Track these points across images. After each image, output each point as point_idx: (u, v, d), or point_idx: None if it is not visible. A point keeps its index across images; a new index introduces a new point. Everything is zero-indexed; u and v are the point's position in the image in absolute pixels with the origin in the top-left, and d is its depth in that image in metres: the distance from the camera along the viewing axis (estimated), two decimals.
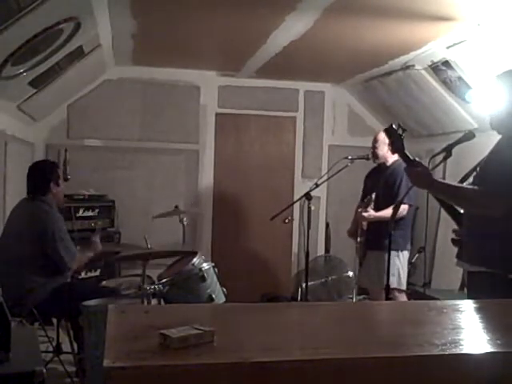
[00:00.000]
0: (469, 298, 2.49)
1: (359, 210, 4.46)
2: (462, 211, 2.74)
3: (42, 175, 3.83)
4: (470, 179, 2.73)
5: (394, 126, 2.75)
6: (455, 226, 2.87)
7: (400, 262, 4.38)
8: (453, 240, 2.86)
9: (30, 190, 3.84)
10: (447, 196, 2.67)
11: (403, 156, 2.70)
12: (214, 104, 6.25)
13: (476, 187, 2.54)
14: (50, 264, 3.67)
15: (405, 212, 4.19)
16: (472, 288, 2.61)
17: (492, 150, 2.64)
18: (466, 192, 2.57)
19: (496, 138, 2.69)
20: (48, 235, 3.64)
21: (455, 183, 2.72)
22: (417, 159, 2.68)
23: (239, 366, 1.28)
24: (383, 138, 4.51)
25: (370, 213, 4.36)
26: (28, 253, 3.62)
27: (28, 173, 3.86)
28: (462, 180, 2.76)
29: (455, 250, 2.80)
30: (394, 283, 4.28)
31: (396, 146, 2.76)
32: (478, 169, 2.69)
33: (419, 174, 2.62)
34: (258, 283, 6.23)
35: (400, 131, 2.72)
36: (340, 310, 2.08)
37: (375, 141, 4.52)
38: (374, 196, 4.37)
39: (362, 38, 4.31)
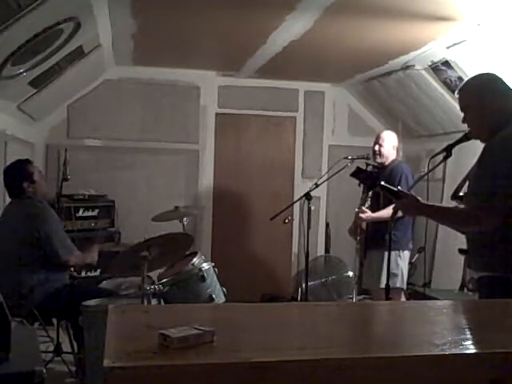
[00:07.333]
0: None
1: (356, 211, 4.46)
2: None
3: (13, 178, 3.76)
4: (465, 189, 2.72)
5: (360, 168, 2.76)
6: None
7: (402, 261, 4.38)
8: (460, 250, 2.86)
9: (10, 194, 3.81)
10: (438, 219, 2.70)
11: (385, 190, 2.71)
12: (214, 104, 6.26)
13: (463, 207, 2.54)
14: (47, 261, 3.67)
15: (400, 213, 4.15)
16: (480, 293, 2.62)
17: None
18: (454, 213, 2.58)
19: None
20: (41, 232, 3.63)
21: (443, 205, 2.72)
22: (399, 188, 2.69)
23: (239, 366, 1.28)
24: (388, 135, 4.51)
25: (368, 214, 4.36)
26: (24, 252, 3.63)
27: (3, 177, 3.81)
28: (455, 193, 2.73)
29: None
30: (396, 283, 4.28)
31: (369, 183, 2.77)
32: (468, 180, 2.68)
33: (408, 203, 2.63)
34: (258, 283, 6.23)
35: (370, 168, 2.74)
36: (340, 310, 2.08)
37: (380, 139, 4.47)
38: (370, 193, 4.36)
39: (362, 38, 4.31)
